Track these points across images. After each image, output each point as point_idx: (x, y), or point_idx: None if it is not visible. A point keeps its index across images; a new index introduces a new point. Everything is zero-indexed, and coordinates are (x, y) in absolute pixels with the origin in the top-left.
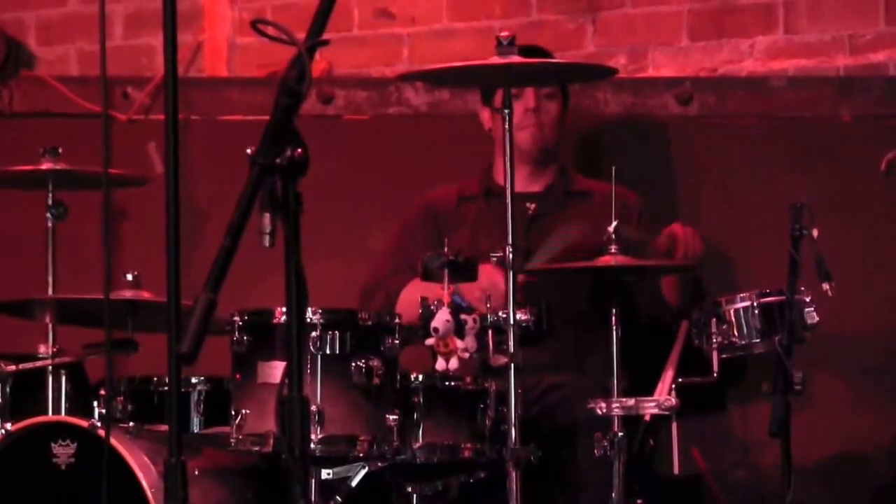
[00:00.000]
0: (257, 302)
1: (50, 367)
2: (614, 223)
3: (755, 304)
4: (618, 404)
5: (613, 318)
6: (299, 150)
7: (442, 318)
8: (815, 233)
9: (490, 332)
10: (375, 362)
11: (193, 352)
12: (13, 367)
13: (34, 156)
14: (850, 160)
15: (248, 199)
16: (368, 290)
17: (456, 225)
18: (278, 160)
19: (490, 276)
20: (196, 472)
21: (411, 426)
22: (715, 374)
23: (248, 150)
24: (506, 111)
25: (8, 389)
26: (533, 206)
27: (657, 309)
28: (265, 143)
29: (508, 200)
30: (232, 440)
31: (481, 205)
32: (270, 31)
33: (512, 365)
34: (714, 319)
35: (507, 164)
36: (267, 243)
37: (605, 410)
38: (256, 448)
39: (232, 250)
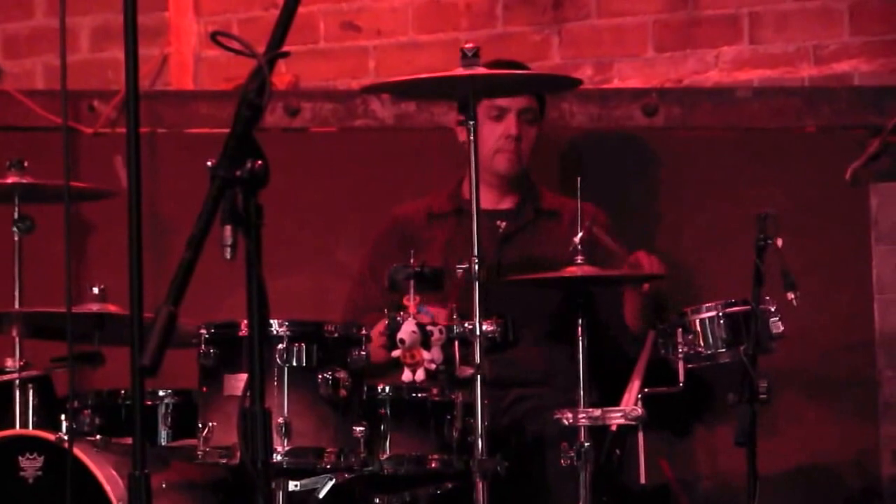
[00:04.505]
0: (227, 315)
1: (17, 381)
2: (580, 234)
3: (720, 313)
4: (584, 414)
5: (580, 329)
6: (259, 162)
7: (408, 330)
8: (779, 242)
9: (456, 343)
10: (342, 374)
11: (155, 364)
12: None
13: (0, 169)
14: (816, 170)
15: (209, 211)
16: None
17: (427, 244)
18: (238, 172)
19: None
20: (163, 485)
21: (378, 438)
22: (681, 384)
23: (209, 163)
24: (470, 122)
25: None
26: (503, 224)
27: (616, 331)
28: (225, 156)
29: (474, 211)
30: (199, 452)
31: (452, 224)
32: (231, 43)
33: (478, 376)
34: (680, 329)
35: (472, 174)
36: (228, 256)
37: (571, 421)
38: (223, 460)
39: (193, 262)
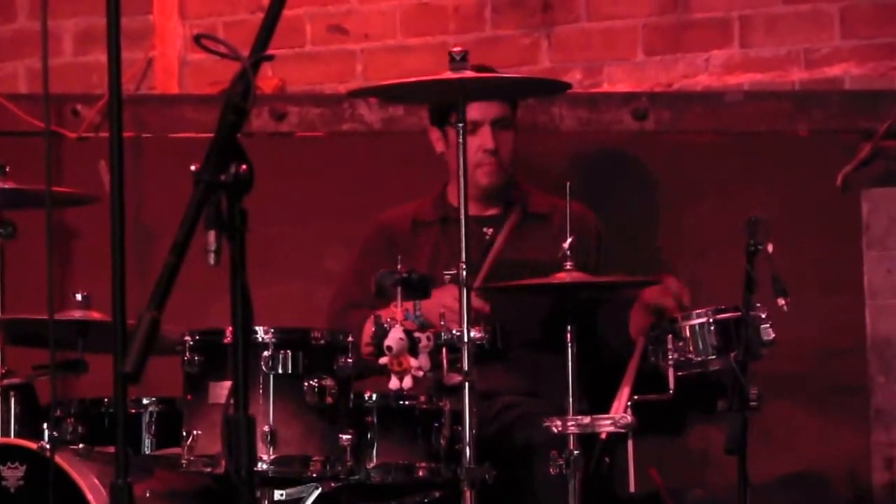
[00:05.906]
0: (213, 322)
1: None
2: (569, 239)
3: (711, 320)
4: (574, 422)
5: (569, 336)
6: (244, 166)
7: (395, 337)
8: (769, 248)
9: (444, 350)
10: (328, 381)
11: (137, 371)
12: None
13: None
14: (807, 175)
15: (193, 216)
16: (332, 324)
17: (413, 251)
18: (223, 177)
19: (442, 299)
20: (147, 494)
21: (365, 446)
22: (671, 391)
23: (193, 167)
24: (459, 125)
25: None
26: (490, 230)
27: (616, 339)
28: (209, 160)
29: (462, 215)
30: (183, 461)
31: (438, 232)
32: (215, 46)
33: (466, 383)
34: (670, 336)
35: (461, 180)
36: (212, 261)
37: (560, 428)
38: (208, 469)
39: (176, 268)
